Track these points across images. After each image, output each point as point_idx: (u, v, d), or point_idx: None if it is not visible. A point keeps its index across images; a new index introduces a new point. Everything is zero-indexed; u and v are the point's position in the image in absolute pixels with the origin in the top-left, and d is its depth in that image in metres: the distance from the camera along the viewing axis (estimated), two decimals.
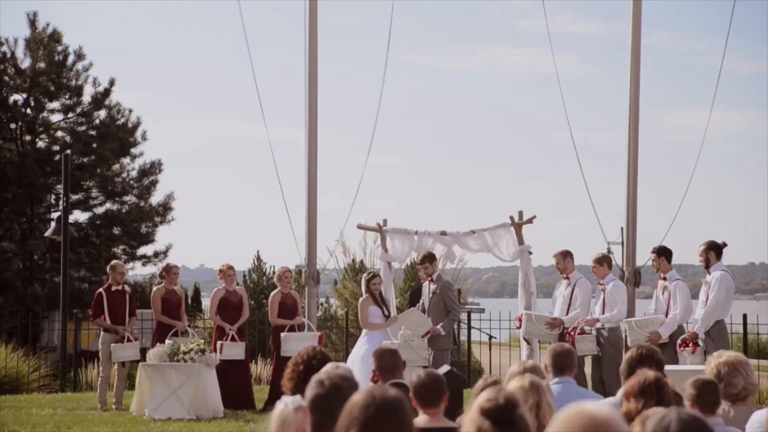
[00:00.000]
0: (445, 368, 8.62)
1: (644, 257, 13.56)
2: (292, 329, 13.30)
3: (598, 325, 12.05)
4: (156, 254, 27.56)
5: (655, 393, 4.85)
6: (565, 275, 12.53)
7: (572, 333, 11.93)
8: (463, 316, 17.89)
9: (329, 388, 3.92)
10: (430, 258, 12.92)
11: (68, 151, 18.69)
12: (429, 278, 12.82)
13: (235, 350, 13.09)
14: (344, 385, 3.95)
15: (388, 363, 5.95)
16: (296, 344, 12.83)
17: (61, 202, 18.40)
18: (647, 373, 5.00)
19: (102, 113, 27.01)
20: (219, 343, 13.06)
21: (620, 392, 5.19)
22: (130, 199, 27.17)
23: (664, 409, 3.27)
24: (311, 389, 3.94)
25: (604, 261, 12.40)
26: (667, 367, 7.19)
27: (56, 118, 26.87)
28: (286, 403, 4.10)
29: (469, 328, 18.34)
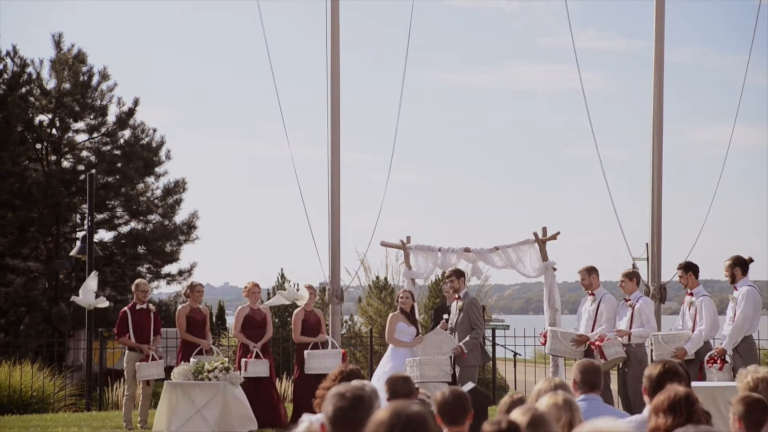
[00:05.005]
0: (469, 385, 8.59)
1: (669, 273, 13.47)
2: (315, 347, 13.28)
3: (624, 339, 11.94)
4: (180, 273, 27.60)
5: (685, 410, 4.74)
6: (590, 291, 12.45)
7: (598, 343, 11.81)
8: (488, 332, 17.80)
9: (351, 399, 3.85)
10: (457, 273, 12.88)
11: (93, 171, 18.80)
12: (456, 295, 12.77)
13: (260, 368, 13.08)
14: (365, 395, 3.90)
15: (401, 390, 5.92)
16: (320, 362, 12.82)
17: (86, 222, 18.49)
18: (677, 389, 4.86)
19: (126, 133, 27.13)
20: (243, 360, 13.06)
21: (647, 408, 5.11)
22: (154, 218, 27.24)
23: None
24: (332, 403, 3.85)
25: (633, 276, 12.32)
26: (695, 384, 7.12)
27: (81, 138, 27.02)
28: (311, 420, 4.08)
29: (494, 344, 18.25)
